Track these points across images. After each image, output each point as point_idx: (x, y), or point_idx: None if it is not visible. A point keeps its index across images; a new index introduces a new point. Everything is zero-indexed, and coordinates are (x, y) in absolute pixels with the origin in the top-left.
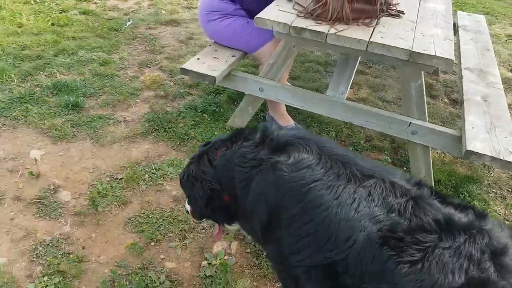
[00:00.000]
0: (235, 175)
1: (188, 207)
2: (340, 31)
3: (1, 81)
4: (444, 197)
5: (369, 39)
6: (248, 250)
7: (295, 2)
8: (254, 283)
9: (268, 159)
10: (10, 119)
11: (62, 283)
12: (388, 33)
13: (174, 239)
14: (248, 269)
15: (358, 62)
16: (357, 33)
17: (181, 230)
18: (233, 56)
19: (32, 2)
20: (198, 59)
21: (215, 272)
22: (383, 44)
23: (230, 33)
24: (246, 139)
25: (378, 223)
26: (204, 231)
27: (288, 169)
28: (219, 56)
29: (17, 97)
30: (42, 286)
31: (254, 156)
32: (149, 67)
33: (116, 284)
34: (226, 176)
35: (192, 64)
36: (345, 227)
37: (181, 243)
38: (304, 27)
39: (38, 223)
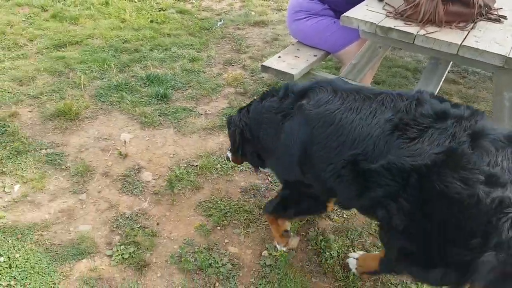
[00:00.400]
0: (263, 122)
1: (229, 154)
2: (430, 33)
3: (103, 70)
4: (442, 98)
5: (461, 42)
6: (310, 247)
7: (386, 2)
8: (313, 279)
9: (293, 104)
10: (107, 104)
11: (136, 253)
12: (484, 38)
13: (239, 226)
14: (308, 265)
15: (448, 69)
16: (448, 36)
17: (245, 219)
18: (315, 55)
19: (136, 0)
20: (279, 57)
21: (275, 262)
22: (476, 49)
23: (314, 32)
24: (272, 96)
25: (389, 120)
26: (267, 223)
27: (311, 107)
28: (301, 55)
29: (115, 85)
30: (119, 254)
31: (279, 106)
32: (233, 65)
33: (182, 259)
34: (255, 124)
35: (272, 62)
36: (365, 129)
37: (245, 231)
38: (392, 27)
39: (121, 197)
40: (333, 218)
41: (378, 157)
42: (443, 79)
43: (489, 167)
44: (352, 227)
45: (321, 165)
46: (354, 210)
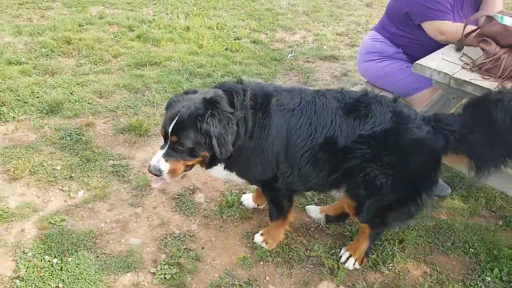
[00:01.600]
0: (248, 118)
1: (165, 166)
2: None
3: (176, 92)
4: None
5: None
6: None
7: (464, 53)
8: None
9: (267, 104)
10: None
11: (178, 275)
12: None
13: (282, 265)
14: None
15: None
16: None
17: (290, 258)
18: None
19: (215, 28)
20: None
21: None
22: None
23: (385, 74)
24: (235, 95)
25: (338, 107)
26: (312, 266)
27: (283, 104)
28: None
29: None
30: (162, 273)
31: (256, 104)
32: None
33: None
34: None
35: None
36: (326, 117)
37: (288, 271)
38: (468, 80)
39: (173, 216)
40: (383, 272)
41: (347, 136)
42: None
43: (418, 114)
44: (403, 284)
45: (299, 152)
46: (407, 267)
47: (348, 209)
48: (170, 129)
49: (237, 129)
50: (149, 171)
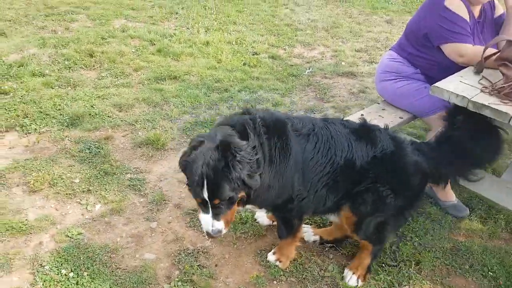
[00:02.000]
0: (265, 144)
1: (221, 224)
2: None
3: (193, 106)
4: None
5: None
6: None
7: (483, 76)
8: None
9: (283, 131)
10: (191, 138)
11: None
12: None
13: (296, 285)
14: None
15: None
16: None
17: (304, 278)
18: (401, 117)
19: (234, 43)
20: (362, 115)
21: None
22: None
23: (402, 95)
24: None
25: (349, 133)
26: (326, 286)
27: (297, 130)
28: (385, 116)
29: (201, 121)
30: None
31: (271, 132)
32: (314, 113)
33: None
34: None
35: (354, 120)
36: (343, 141)
37: None
38: (486, 104)
39: (187, 231)
40: None
41: (362, 158)
42: None
43: (409, 142)
44: None
45: (317, 176)
46: None
47: (347, 225)
48: (205, 195)
49: (257, 158)
50: (211, 237)
